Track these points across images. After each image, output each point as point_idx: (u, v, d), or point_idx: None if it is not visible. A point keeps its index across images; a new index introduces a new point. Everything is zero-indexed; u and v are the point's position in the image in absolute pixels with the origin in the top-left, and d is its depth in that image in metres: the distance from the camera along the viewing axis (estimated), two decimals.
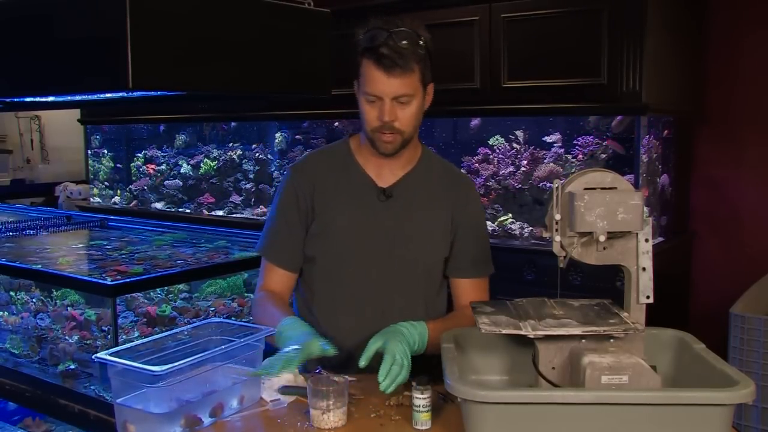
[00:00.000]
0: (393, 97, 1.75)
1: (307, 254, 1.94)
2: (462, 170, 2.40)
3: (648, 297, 1.49)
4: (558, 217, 1.48)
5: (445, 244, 1.94)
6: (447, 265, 1.96)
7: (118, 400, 1.54)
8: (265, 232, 1.99)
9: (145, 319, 2.46)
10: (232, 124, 4.99)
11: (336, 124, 4.49)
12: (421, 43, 1.78)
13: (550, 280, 3.02)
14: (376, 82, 1.75)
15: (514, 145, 3.79)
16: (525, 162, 3.72)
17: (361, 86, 1.80)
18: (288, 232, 1.94)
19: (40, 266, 2.54)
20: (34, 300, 2.70)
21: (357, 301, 1.87)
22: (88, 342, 2.41)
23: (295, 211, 1.93)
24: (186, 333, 1.75)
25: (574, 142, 3.59)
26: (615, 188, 1.45)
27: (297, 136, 4.70)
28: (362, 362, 1.64)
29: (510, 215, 3.73)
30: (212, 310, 2.60)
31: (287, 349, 1.65)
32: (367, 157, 1.93)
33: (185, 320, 2.47)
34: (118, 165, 5.67)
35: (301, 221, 1.93)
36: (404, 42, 1.74)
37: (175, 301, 2.61)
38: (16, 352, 2.55)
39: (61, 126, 6.47)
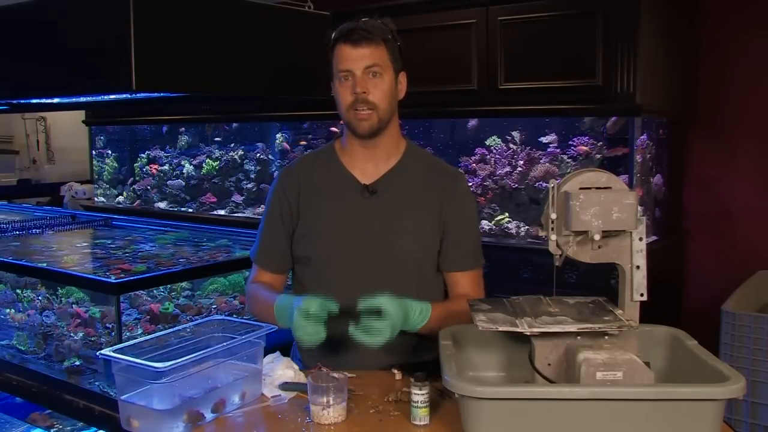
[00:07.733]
0: (364, 68, 1.81)
1: (296, 255, 1.96)
2: (458, 168, 2.42)
3: (642, 294, 1.51)
4: (554, 216, 1.50)
5: (434, 239, 1.91)
6: (439, 259, 1.94)
7: (123, 396, 1.56)
8: (257, 234, 2.03)
9: (148, 317, 2.46)
10: (234, 124, 5.01)
11: (335, 130, 4.52)
12: (390, 33, 1.85)
13: (546, 278, 3.05)
14: (346, 58, 1.82)
15: (511, 145, 3.81)
16: (521, 162, 3.74)
17: (334, 71, 1.86)
18: (271, 237, 1.98)
19: (45, 265, 2.55)
20: (40, 298, 2.69)
21: (346, 299, 1.82)
22: (92, 339, 2.41)
23: (278, 215, 1.96)
24: (188, 330, 1.76)
25: (570, 142, 3.62)
26: (610, 188, 1.47)
27: (300, 140, 4.72)
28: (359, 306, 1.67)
29: (507, 214, 3.75)
30: (214, 308, 2.60)
31: (300, 300, 1.69)
32: (351, 156, 1.94)
33: (188, 317, 2.47)
34: (122, 158, 5.69)
35: (285, 225, 1.96)
36: (371, 25, 1.83)
37: (178, 299, 2.60)
38: (22, 348, 2.55)
39: (66, 127, 6.47)
